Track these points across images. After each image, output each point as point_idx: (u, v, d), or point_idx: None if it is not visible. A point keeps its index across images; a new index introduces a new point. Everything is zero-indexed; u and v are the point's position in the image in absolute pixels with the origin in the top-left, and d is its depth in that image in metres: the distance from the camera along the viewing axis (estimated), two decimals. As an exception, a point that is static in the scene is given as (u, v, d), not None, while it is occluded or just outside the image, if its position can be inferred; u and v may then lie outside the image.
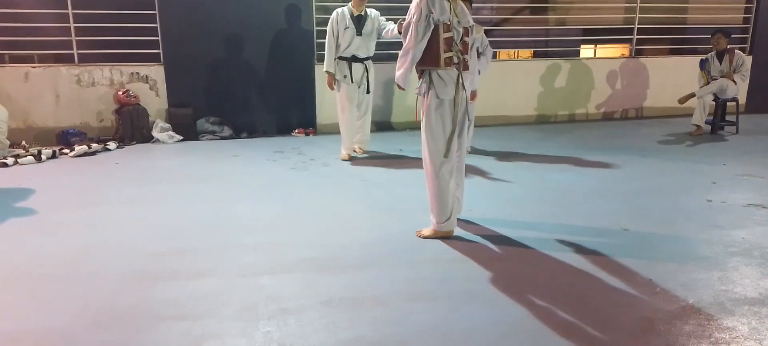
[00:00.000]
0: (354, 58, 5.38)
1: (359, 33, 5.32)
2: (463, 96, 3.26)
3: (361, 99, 5.58)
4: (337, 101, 5.53)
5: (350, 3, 5.36)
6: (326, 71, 5.40)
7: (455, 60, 3.20)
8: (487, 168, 5.19)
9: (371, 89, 5.58)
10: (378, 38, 5.50)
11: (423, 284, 2.71)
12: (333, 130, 7.32)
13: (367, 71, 5.49)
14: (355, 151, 5.75)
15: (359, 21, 5.33)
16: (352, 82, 5.40)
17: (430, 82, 3.21)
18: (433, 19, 3.12)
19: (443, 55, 3.15)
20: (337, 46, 5.35)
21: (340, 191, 4.48)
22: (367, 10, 5.41)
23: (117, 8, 6.61)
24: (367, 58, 5.46)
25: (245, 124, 7.15)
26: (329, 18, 5.35)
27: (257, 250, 3.18)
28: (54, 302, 2.55)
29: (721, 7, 8.78)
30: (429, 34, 3.13)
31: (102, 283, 2.75)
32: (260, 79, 7.12)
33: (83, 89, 6.70)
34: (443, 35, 3.13)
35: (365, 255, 3.09)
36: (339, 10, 5.34)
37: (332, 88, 5.46)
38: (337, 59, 5.38)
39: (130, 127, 6.57)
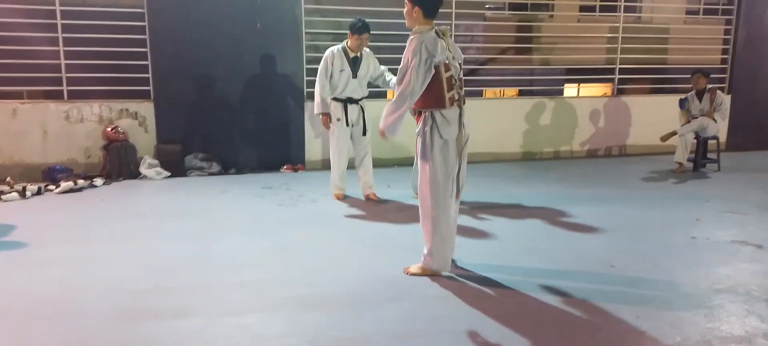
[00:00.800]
0: (349, 100, 5.18)
1: (355, 75, 5.14)
2: (464, 133, 3.27)
3: (359, 142, 5.33)
4: (331, 142, 5.32)
5: (347, 42, 5.14)
6: (321, 113, 5.13)
7: (456, 97, 3.22)
8: (473, 205, 5.22)
9: (368, 131, 5.32)
10: (372, 82, 5.36)
11: (410, 323, 2.69)
12: (322, 166, 7.34)
13: (362, 112, 5.29)
14: (369, 198, 5.36)
15: (355, 62, 5.15)
16: (347, 124, 5.18)
17: (433, 122, 3.17)
18: (433, 63, 3.11)
19: (447, 95, 3.16)
20: (333, 87, 5.14)
21: (328, 228, 4.46)
22: (363, 51, 5.22)
23: (109, 45, 6.66)
24: (362, 99, 5.29)
25: (234, 161, 7.15)
26: (320, 55, 5.25)
27: (243, 288, 3.15)
28: (34, 341, 2.50)
29: (699, 48, 9.04)
30: (429, 79, 3.11)
31: (84, 321, 2.70)
32: (249, 116, 7.16)
33: (71, 125, 6.69)
34: (445, 75, 3.14)
35: (352, 293, 3.07)
36: (334, 49, 5.12)
37: (328, 128, 5.20)
38: (331, 100, 5.18)
39: (117, 163, 6.53)
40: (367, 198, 5.37)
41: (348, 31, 5.12)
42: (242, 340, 2.51)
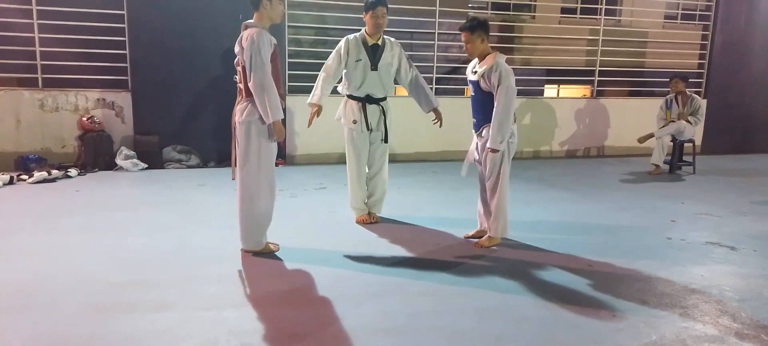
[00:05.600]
0: (368, 99, 4.29)
1: (374, 67, 4.25)
2: None
3: (375, 150, 4.42)
4: (347, 150, 4.42)
5: (364, 29, 4.30)
6: (310, 103, 4.22)
7: None
8: (452, 202, 5.23)
9: (389, 137, 4.42)
10: (398, 80, 4.46)
11: (390, 319, 2.69)
12: (302, 161, 7.30)
13: (383, 115, 4.36)
14: (364, 221, 4.48)
15: (375, 51, 4.27)
16: (368, 129, 4.31)
17: None
18: None
19: None
20: (349, 82, 4.31)
21: (308, 223, 4.43)
22: (385, 38, 4.33)
23: (86, 33, 6.52)
24: (383, 98, 4.38)
25: (213, 153, 7.06)
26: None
27: (221, 281, 3.11)
28: (3, 334, 2.43)
29: (677, 52, 9.21)
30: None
31: (55, 314, 2.64)
32: (229, 108, 7.01)
33: (46, 114, 6.53)
34: None
35: (332, 288, 3.05)
36: (351, 36, 4.28)
37: (310, 123, 4.24)
38: (346, 98, 4.36)
39: (92, 154, 6.41)
40: (362, 220, 4.47)
41: (363, 13, 4.27)
42: (219, 334, 2.47)
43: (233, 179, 3.59)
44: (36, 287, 2.96)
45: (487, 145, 3.74)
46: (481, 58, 3.77)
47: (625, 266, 3.54)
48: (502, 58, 3.72)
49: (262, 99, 3.30)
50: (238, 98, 3.53)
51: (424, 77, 4.56)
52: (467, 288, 3.11)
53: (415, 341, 2.46)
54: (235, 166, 3.55)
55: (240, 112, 3.48)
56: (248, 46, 3.28)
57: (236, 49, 3.43)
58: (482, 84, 3.72)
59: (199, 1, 6.72)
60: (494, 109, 3.65)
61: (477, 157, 3.98)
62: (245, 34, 3.36)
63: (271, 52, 3.37)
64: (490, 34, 3.83)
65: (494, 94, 3.66)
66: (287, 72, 7.11)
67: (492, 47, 3.79)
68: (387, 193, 4.59)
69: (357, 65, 4.23)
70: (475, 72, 3.78)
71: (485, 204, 3.96)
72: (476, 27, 3.71)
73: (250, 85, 3.32)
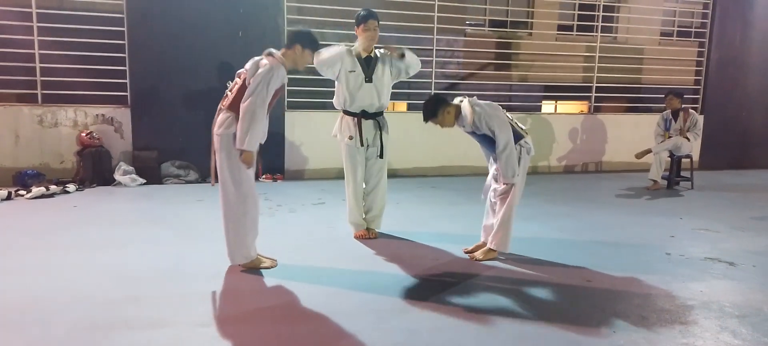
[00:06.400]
0: (364, 114, 4.27)
1: (369, 79, 4.24)
2: None
3: (372, 166, 4.40)
4: (344, 167, 4.41)
5: (356, 43, 4.30)
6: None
7: None
8: (450, 218, 5.23)
9: (386, 153, 4.39)
10: (397, 79, 4.44)
11: (389, 335, 2.67)
12: (301, 176, 7.30)
13: (380, 129, 4.32)
14: (363, 236, 4.43)
15: (368, 63, 4.25)
16: (362, 144, 4.28)
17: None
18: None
19: None
20: (343, 96, 4.27)
21: (306, 239, 4.42)
22: (377, 51, 4.33)
23: (86, 50, 6.55)
24: (379, 113, 4.36)
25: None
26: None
27: (218, 298, 3.09)
28: (-2, 352, 2.41)
29: (673, 68, 9.28)
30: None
31: (50, 332, 2.62)
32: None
33: (45, 130, 6.54)
34: None
35: (330, 304, 3.03)
36: (343, 48, 4.27)
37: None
38: (342, 114, 4.35)
39: (91, 169, 6.40)
40: (361, 235, 4.43)
41: (355, 28, 4.29)
42: (217, 351, 2.45)
43: (213, 185, 3.60)
44: (31, 304, 2.94)
45: (501, 180, 3.85)
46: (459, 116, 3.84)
47: (624, 281, 3.53)
48: (474, 100, 3.80)
49: (244, 124, 3.29)
50: (220, 107, 3.50)
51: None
52: (466, 305, 3.09)
53: (414, 358, 2.44)
54: (214, 176, 3.56)
55: (220, 123, 3.44)
56: (262, 73, 3.31)
57: (248, 64, 3.42)
58: (477, 132, 3.83)
59: (199, 19, 6.77)
60: (496, 150, 3.77)
61: (494, 181, 4.04)
62: (265, 60, 3.39)
63: (278, 87, 3.40)
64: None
65: (492, 136, 3.77)
66: (286, 88, 7.13)
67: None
68: (386, 208, 4.58)
69: (350, 76, 4.20)
70: (463, 126, 3.86)
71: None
72: (437, 108, 3.76)
73: (242, 105, 3.32)
